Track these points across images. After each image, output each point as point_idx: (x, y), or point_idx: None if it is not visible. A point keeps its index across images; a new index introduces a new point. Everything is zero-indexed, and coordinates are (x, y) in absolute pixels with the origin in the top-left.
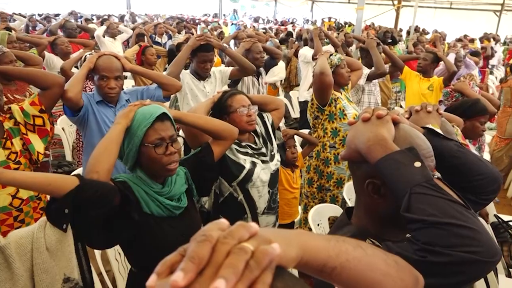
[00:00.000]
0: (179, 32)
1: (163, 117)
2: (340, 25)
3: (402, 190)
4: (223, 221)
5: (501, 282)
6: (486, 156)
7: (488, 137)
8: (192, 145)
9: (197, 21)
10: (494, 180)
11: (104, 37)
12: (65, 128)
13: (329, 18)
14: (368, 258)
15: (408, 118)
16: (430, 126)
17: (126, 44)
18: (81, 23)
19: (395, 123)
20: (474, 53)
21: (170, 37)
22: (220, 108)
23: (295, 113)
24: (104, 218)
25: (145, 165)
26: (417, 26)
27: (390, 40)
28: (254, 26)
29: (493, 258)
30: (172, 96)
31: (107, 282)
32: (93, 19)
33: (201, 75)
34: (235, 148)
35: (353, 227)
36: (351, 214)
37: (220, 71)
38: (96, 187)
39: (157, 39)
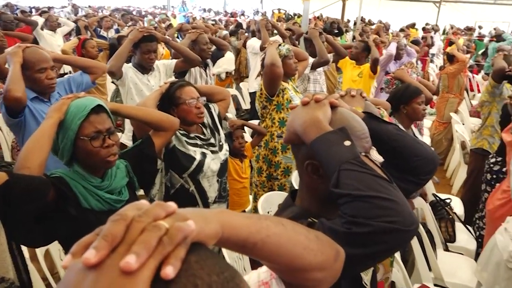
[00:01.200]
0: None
1: (98, 109)
2: (290, 16)
3: (333, 168)
4: (142, 202)
5: (439, 255)
6: (426, 139)
7: (428, 121)
8: (140, 137)
9: (143, 13)
10: (431, 161)
11: (42, 30)
12: (2, 127)
13: (279, 10)
14: (289, 233)
15: None
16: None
17: (68, 37)
18: (17, 15)
19: (334, 106)
20: (415, 42)
21: (117, 31)
22: (168, 99)
23: (246, 104)
24: (38, 214)
25: (82, 159)
26: (362, 17)
27: (336, 31)
28: (203, 18)
29: (410, 227)
30: (113, 90)
31: (53, 286)
32: (31, 12)
33: (145, 67)
34: (185, 140)
35: (296, 208)
36: (295, 196)
37: (164, 64)
38: (27, 181)
39: (103, 33)
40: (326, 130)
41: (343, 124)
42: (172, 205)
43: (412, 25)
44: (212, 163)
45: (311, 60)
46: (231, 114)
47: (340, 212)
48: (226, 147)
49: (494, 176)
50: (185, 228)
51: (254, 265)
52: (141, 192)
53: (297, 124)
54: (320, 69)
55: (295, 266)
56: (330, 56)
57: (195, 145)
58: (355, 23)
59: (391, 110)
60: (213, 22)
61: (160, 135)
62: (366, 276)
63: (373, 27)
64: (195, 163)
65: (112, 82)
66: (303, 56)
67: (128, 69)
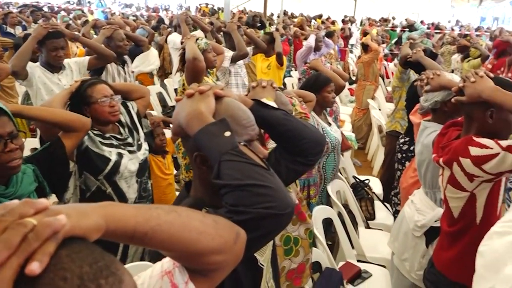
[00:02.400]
0: (35, 22)
1: None
2: (214, 11)
3: (215, 159)
4: (10, 202)
5: (361, 233)
6: (347, 126)
7: (349, 109)
8: (48, 140)
9: (56, 9)
10: (318, 142)
11: None
12: None
13: (207, 4)
14: (183, 220)
15: (246, 95)
16: (264, 99)
17: None
18: None
19: (219, 97)
20: (328, 34)
21: (25, 28)
22: (79, 98)
23: (172, 101)
24: None
25: None
26: (285, 10)
27: (259, 24)
28: (122, 14)
29: (285, 211)
30: (23, 92)
31: None
32: None
33: (54, 65)
34: (99, 141)
35: (190, 199)
36: (190, 187)
37: (75, 62)
38: None
39: (9, 29)
40: (207, 122)
41: (228, 114)
42: (43, 201)
43: (319, 16)
44: (130, 164)
45: (231, 53)
46: (156, 111)
47: (223, 202)
48: (145, 146)
49: (404, 155)
50: (53, 223)
51: None
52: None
53: (181, 116)
54: (241, 62)
55: (192, 251)
56: (250, 49)
57: (111, 145)
58: (278, 16)
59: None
60: (134, 18)
61: (70, 136)
62: (262, 257)
63: (296, 20)
64: (111, 164)
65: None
66: (220, 50)
67: (35, 68)
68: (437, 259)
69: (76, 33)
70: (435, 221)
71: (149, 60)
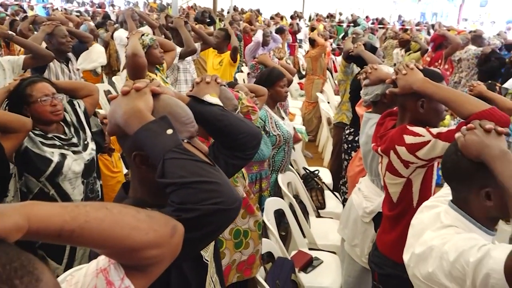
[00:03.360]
0: None
1: None
2: (163, 6)
3: (158, 158)
4: None
5: (312, 222)
6: (298, 119)
7: (299, 102)
8: None
9: None
10: (254, 136)
11: None
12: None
13: (155, 0)
14: (114, 216)
15: (191, 90)
16: (208, 95)
17: None
18: None
19: (156, 94)
20: (279, 30)
21: None
22: (18, 98)
23: None
24: None
25: None
26: (235, 6)
27: (208, 20)
28: (65, 9)
29: (233, 205)
30: None
31: None
32: None
33: None
34: (40, 141)
35: (130, 200)
36: (128, 188)
37: (8, 61)
38: None
39: None
40: (147, 120)
41: (167, 111)
42: None
43: (257, 11)
44: (74, 164)
45: (179, 49)
46: (105, 110)
47: (169, 201)
48: (92, 146)
49: (350, 146)
50: None
51: None
52: None
53: (118, 115)
54: (189, 58)
55: (125, 247)
56: (198, 46)
57: (53, 145)
58: (228, 12)
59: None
60: (78, 14)
61: (9, 137)
62: (206, 253)
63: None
64: (52, 165)
65: None
66: (169, 46)
67: None
68: (380, 242)
69: (10, 32)
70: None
71: (92, 57)
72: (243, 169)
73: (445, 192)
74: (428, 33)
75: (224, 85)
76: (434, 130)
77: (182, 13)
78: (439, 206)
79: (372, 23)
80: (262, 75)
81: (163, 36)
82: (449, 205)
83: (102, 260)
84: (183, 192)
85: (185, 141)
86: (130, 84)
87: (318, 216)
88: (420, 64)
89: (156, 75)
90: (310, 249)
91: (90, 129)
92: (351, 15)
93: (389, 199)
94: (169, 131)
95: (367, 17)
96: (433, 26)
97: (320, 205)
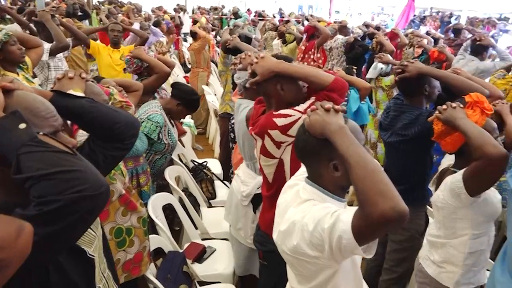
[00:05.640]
0: None
1: None
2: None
3: (12, 154)
4: None
5: (204, 213)
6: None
7: None
8: None
9: None
10: (131, 125)
11: None
12: None
13: None
14: None
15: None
16: (71, 90)
17: None
18: None
19: (8, 91)
20: (156, 23)
21: None
22: None
23: None
24: None
25: None
26: None
27: (81, 13)
28: None
29: (99, 190)
30: None
31: None
32: None
33: None
34: None
35: None
36: None
37: None
38: None
39: None
40: None
41: (23, 107)
42: None
43: (164, 12)
44: None
45: (47, 45)
46: None
47: (31, 196)
48: None
49: (234, 135)
50: None
51: None
52: None
53: None
54: (60, 55)
55: None
56: (70, 41)
57: None
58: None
59: None
60: None
61: None
62: (91, 248)
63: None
64: None
65: None
66: (34, 42)
67: None
68: (261, 221)
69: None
70: (257, 189)
71: None
72: (121, 166)
73: (303, 170)
74: (303, 24)
75: (92, 81)
76: (301, 107)
77: (53, 7)
78: (298, 184)
79: (254, 16)
80: (141, 71)
81: (28, 32)
82: (305, 181)
83: None
84: (42, 184)
85: (42, 133)
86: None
87: (210, 206)
88: (296, 53)
89: (18, 74)
90: (203, 239)
91: None
92: (233, 8)
93: (266, 180)
94: (22, 126)
95: (248, 9)
96: (306, 18)
97: (211, 195)
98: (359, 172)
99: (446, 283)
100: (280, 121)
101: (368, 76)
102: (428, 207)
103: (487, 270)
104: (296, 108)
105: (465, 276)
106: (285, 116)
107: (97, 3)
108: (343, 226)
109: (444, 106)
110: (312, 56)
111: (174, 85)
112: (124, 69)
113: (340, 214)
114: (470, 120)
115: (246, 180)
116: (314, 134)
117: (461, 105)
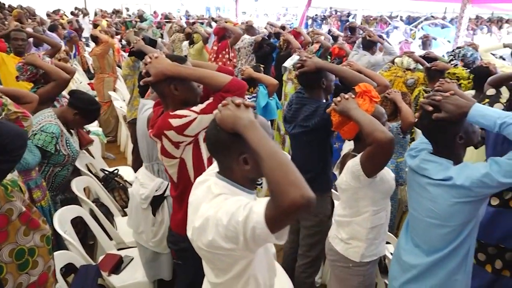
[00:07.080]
0: None
1: None
2: None
3: None
4: None
5: (118, 222)
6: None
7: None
8: None
9: None
10: (19, 136)
11: None
12: None
13: None
14: None
15: None
16: None
17: None
18: None
19: None
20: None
21: None
22: None
23: None
24: None
25: None
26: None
27: None
28: None
29: None
30: None
31: None
32: None
33: None
34: None
35: None
36: None
37: None
38: None
39: None
40: None
41: None
42: None
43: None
44: None
45: None
46: None
47: None
48: None
49: None
50: None
51: None
52: None
53: None
54: None
55: None
56: None
57: None
58: None
59: None
60: None
61: None
62: None
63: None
64: None
65: None
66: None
67: None
68: (172, 222)
69: None
70: (156, 191)
71: None
72: (19, 182)
73: (214, 166)
74: (210, 26)
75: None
76: (197, 108)
77: None
78: (209, 179)
79: (161, 18)
80: (37, 78)
81: None
82: (217, 176)
83: None
84: None
85: None
86: None
87: (125, 214)
88: (204, 53)
89: None
90: (119, 249)
91: None
92: (138, 10)
93: (171, 180)
94: None
95: (155, 12)
96: (213, 18)
97: (125, 203)
98: (270, 164)
99: (353, 258)
100: (175, 122)
101: (284, 64)
102: (333, 190)
103: (387, 243)
104: (193, 108)
105: (369, 249)
106: (180, 116)
107: None
108: (256, 217)
109: (339, 98)
110: (227, 56)
111: (72, 93)
112: (17, 77)
113: (253, 206)
114: (361, 109)
115: (145, 182)
116: (225, 128)
117: (353, 96)
